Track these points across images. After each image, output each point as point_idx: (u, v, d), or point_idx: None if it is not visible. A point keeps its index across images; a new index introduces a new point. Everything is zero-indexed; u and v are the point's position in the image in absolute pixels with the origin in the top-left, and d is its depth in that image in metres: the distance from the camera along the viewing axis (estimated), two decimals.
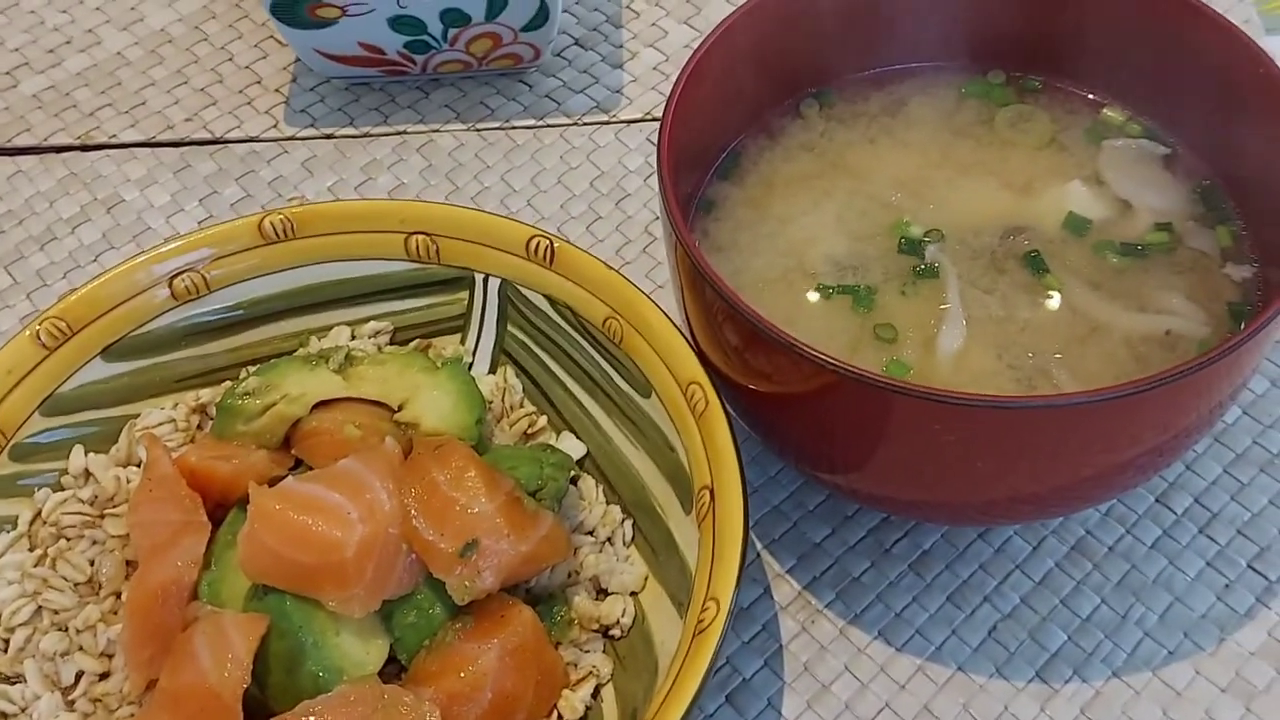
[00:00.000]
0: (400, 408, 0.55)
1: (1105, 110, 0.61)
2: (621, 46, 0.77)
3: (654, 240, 0.68)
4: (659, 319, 0.55)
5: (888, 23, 0.61)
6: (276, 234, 0.58)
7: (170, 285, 0.58)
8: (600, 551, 0.55)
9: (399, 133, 0.73)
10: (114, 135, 0.74)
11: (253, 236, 0.58)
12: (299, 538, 0.48)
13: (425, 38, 0.71)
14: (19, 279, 0.68)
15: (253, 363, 0.60)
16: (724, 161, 0.60)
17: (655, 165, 0.70)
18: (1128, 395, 0.46)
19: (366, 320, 0.60)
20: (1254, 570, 0.56)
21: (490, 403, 0.58)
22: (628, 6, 0.78)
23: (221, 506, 0.53)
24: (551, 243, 0.57)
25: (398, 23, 0.70)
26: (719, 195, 0.59)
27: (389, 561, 0.49)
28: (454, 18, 0.70)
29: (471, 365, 0.60)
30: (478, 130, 0.73)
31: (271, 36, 0.78)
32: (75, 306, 0.56)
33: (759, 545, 0.58)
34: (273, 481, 0.52)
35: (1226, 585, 0.56)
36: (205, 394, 0.58)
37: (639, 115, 0.73)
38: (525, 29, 0.71)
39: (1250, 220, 0.56)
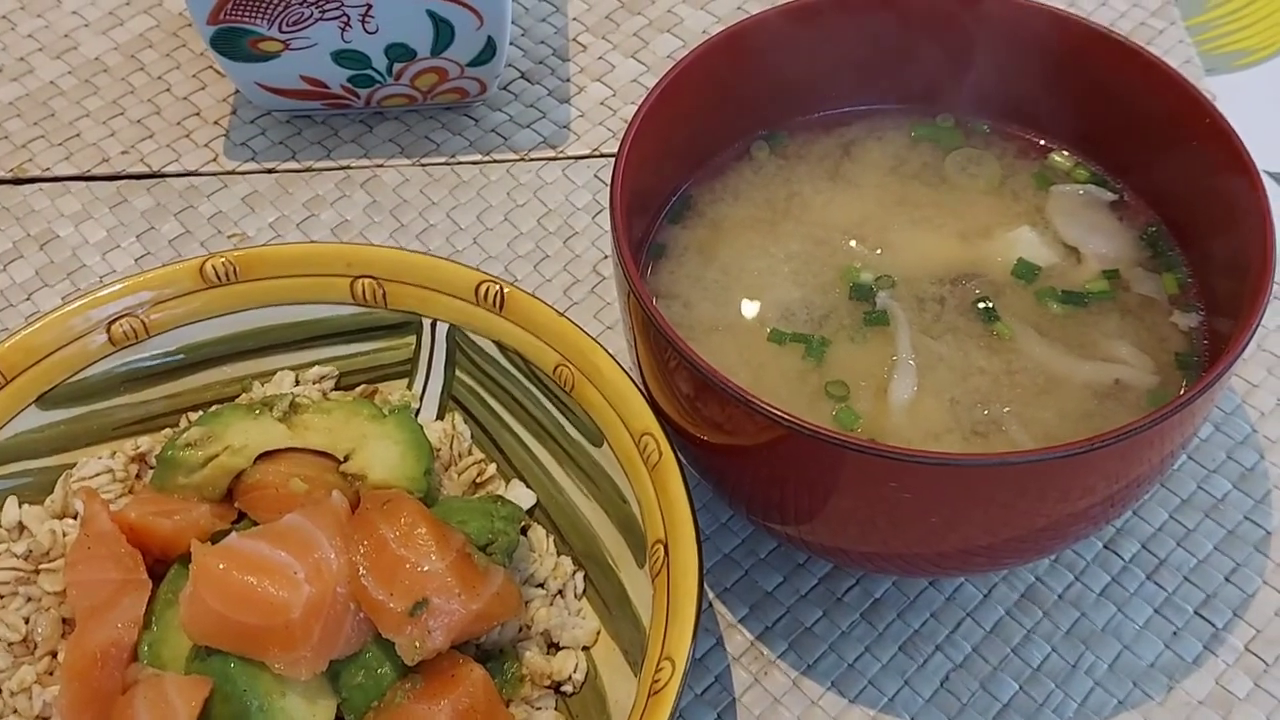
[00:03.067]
0: (346, 458, 0.54)
1: (1053, 155, 0.61)
2: (568, 81, 0.76)
3: (602, 280, 0.68)
4: (610, 367, 0.54)
5: (838, 66, 0.61)
6: (219, 277, 0.57)
7: (108, 330, 0.56)
8: (551, 605, 0.54)
9: (342, 168, 0.72)
10: (48, 168, 0.72)
11: (194, 280, 0.57)
12: (243, 598, 0.47)
13: (369, 72, 0.70)
14: None
15: (194, 409, 0.58)
16: (674, 204, 0.60)
17: (606, 205, 0.70)
18: (1078, 454, 0.46)
19: (311, 365, 0.59)
20: (1201, 617, 0.56)
21: (438, 450, 0.57)
22: (574, 40, 0.78)
23: (162, 562, 0.52)
24: (501, 288, 0.56)
25: (341, 57, 0.69)
26: (670, 239, 0.59)
27: (336, 621, 0.48)
28: (399, 53, 0.69)
29: (419, 411, 0.59)
30: (423, 166, 0.72)
31: (211, 67, 0.77)
32: (9, 354, 0.55)
33: (711, 594, 0.58)
34: (216, 537, 0.51)
35: (1174, 633, 0.56)
36: (145, 442, 0.57)
37: (586, 151, 0.73)
38: (471, 64, 0.70)
39: (1196, 267, 0.57)
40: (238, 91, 0.75)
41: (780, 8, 0.59)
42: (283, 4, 0.66)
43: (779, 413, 0.47)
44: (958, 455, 0.47)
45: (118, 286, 0.56)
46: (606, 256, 0.69)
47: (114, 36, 0.78)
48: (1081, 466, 0.47)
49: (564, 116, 0.74)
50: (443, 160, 0.72)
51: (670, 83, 0.56)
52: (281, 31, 0.67)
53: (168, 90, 0.76)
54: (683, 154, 0.60)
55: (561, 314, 0.56)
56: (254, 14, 0.66)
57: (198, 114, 0.74)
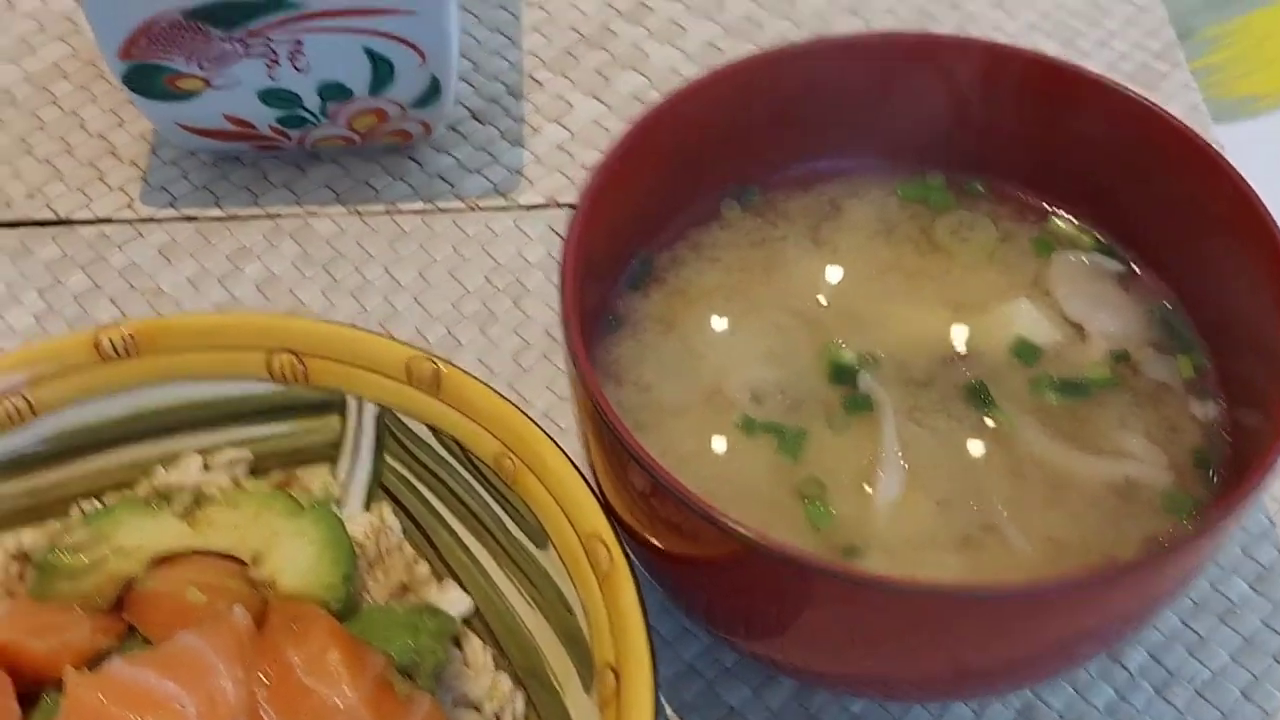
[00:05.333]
0: (254, 561, 0.47)
1: (1054, 218, 0.55)
2: (522, 121, 0.69)
3: (556, 344, 0.61)
4: (558, 460, 0.48)
5: (818, 116, 0.55)
6: (115, 351, 0.50)
7: None
8: None
9: (270, 216, 0.65)
10: None
11: (88, 354, 0.50)
12: None
13: (301, 112, 0.63)
14: None
15: (85, 496, 0.51)
16: (633, 268, 0.54)
17: (559, 270, 0.63)
18: (1088, 583, 0.40)
19: (221, 447, 0.52)
20: None
21: (363, 546, 0.50)
22: (530, 76, 0.71)
23: (36, 685, 0.45)
24: (437, 367, 0.50)
25: (269, 96, 0.62)
26: (628, 308, 0.52)
27: None
28: (333, 92, 0.62)
29: (343, 501, 0.52)
30: (359, 214, 0.66)
31: (130, 102, 0.70)
32: None
33: (669, 710, 0.51)
34: (97, 659, 0.44)
35: None
36: (28, 536, 0.50)
37: (541, 200, 0.66)
38: (415, 105, 0.63)
39: (1216, 350, 0.51)
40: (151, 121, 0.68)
41: (760, 54, 0.52)
42: (202, 38, 0.59)
43: (740, 528, 0.40)
44: (944, 586, 0.41)
45: None
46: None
47: (25, 65, 0.71)
48: (1090, 593, 0.41)
49: (517, 161, 0.68)
50: (382, 209, 0.66)
51: (634, 137, 0.50)
52: (201, 68, 0.60)
53: (81, 126, 0.69)
54: (644, 213, 0.53)
55: (504, 397, 0.49)
56: (170, 49, 0.59)
57: (113, 153, 0.68)
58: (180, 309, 0.62)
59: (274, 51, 0.60)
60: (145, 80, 0.61)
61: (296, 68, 0.61)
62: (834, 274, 0.54)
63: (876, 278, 0.54)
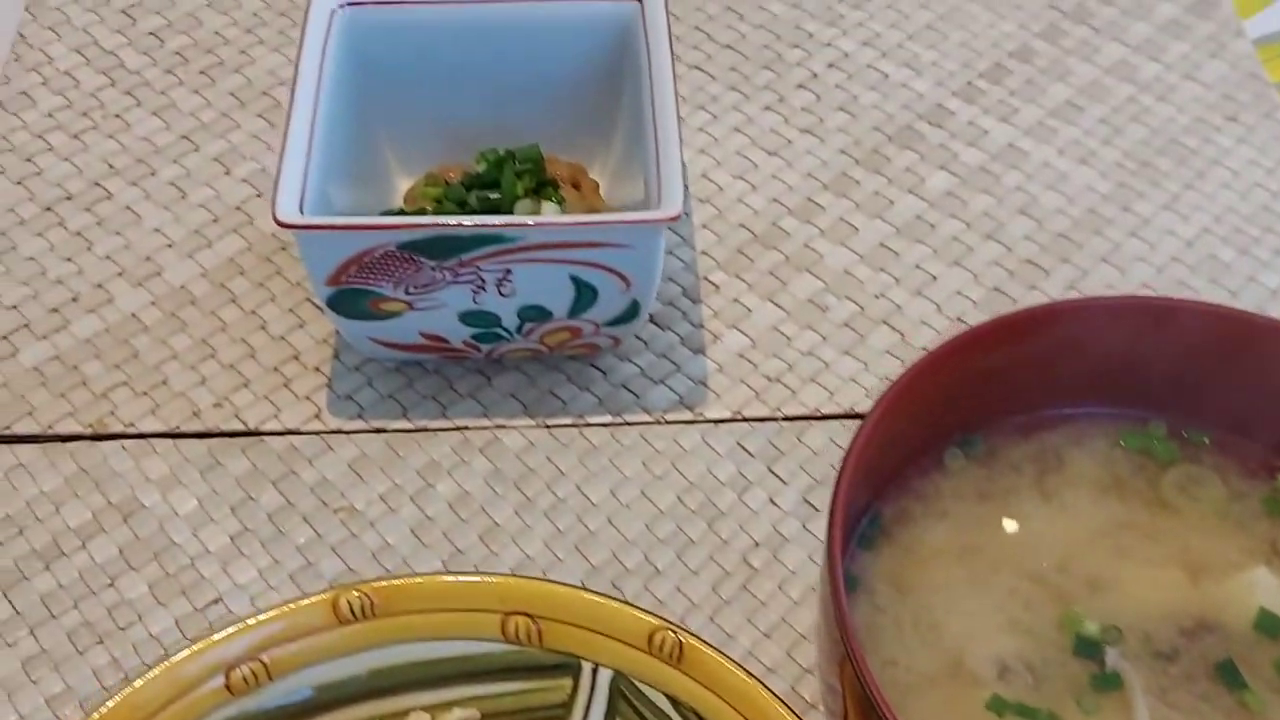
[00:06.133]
0: None
1: None
2: (701, 326, 0.69)
3: (754, 574, 0.61)
4: None
5: (1042, 364, 0.55)
6: (354, 614, 0.50)
7: (226, 677, 0.49)
8: None
9: (459, 429, 0.65)
10: (131, 423, 0.64)
11: (326, 617, 0.50)
12: None
13: (497, 330, 0.63)
14: (20, 607, 0.59)
15: None
16: (864, 525, 0.53)
17: (751, 479, 0.62)
18: None
19: (450, 705, 0.52)
20: None
21: None
22: (705, 278, 0.71)
23: None
24: (680, 640, 0.49)
25: (469, 317, 0.62)
26: (860, 569, 0.52)
27: None
28: (533, 314, 0.62)
29: None
30: (548, 427, 0.65)
31: (309, 299, 0.70)
32: (113, 716, 0.47)
33: None
34: None
35: None
36: None
37: (727, 414, 0.66)
38: (610, 324, 0.63)
39: None
40: (339, 331, 0.68)
41: (1008, 316, 0.53)
42: (413, 267, 0.59)
43: None
44: None
45: (238, 628, 0.49)
46: (758, 544, 0.62)
47: (201, 260, 0.71)
48: None
49: (700, 371, 0.67)
50: (570, 421, 0.65)
51: (891, 399, 0.50)
52: (407, 294, 0.60)
53: (262, 327, 0.69)
54: (878, 466, 0.53)
55: (749, 672, 0.49)
56: (379, 277, 0.59)
57: (296, 357, 0.67)
58: (375, 531, 0.62)
59: (482, 279, 0.60)
60: (348, 303, 0.61)
61: (502, 293, 0.61)
62: (1063, 532, 0.53)
63: (1109, 536, 0.53)
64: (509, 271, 0.59)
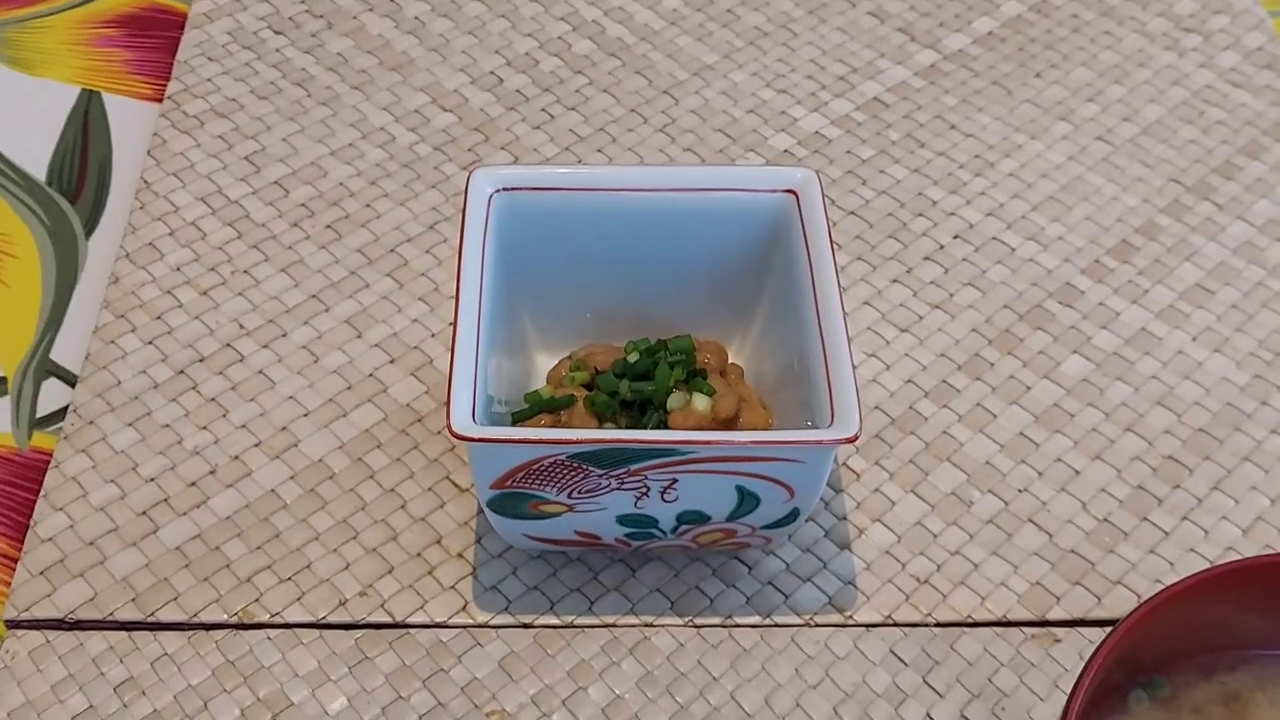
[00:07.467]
0: None
1: None
2: (845, 519, 0.69)
3: None
4: None
5: (1244, 606, 0.54)
6: None
7: None
8: None
9: (607, 626, 0.64)
10: (277, 613, 0.64)
11: None
12: None
13: (652, 530, 0.62)
14: None
15: None
16: None
17: (906, 691, 0.62)
18: None
19: None
20: None
21: None
22: (844, 465, 0.71)
23: None
24: None
25: (627, 519, 0.61)
26: None
27: None
28: (692, 518, 0.61)
29: None
30: (696, 627, 0.64)
31: (447, 478, 0.69)
32: None
33: None
34: None
35: None
36: None
37: (878, 618, 0.65)
38: (766, 527, 0.62)
39: None
40: (480, 513, 0.68)
41: (1240, 564, 0.53)
42: (580, 475, 0.58)
43: None
44: None
45: None
46: None
47: (338, 433, 0.71)
48: None
49: (847, 569, 0.67)
50: (718, 621, 0.65)
51: (1112, 644, 0.49)
52: (570, 498, 0.60)
53: (402, 507, 0.68)
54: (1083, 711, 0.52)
55: None
56: (545, 483, 0.59)
57: (438, 542, 0.67)
58: None
59: (646, 487, 0.59)
60: (508, 505, 0.60)
61: (664, 500, 0.60)
62: None
63: None
64: (675, 480, 0.59)
